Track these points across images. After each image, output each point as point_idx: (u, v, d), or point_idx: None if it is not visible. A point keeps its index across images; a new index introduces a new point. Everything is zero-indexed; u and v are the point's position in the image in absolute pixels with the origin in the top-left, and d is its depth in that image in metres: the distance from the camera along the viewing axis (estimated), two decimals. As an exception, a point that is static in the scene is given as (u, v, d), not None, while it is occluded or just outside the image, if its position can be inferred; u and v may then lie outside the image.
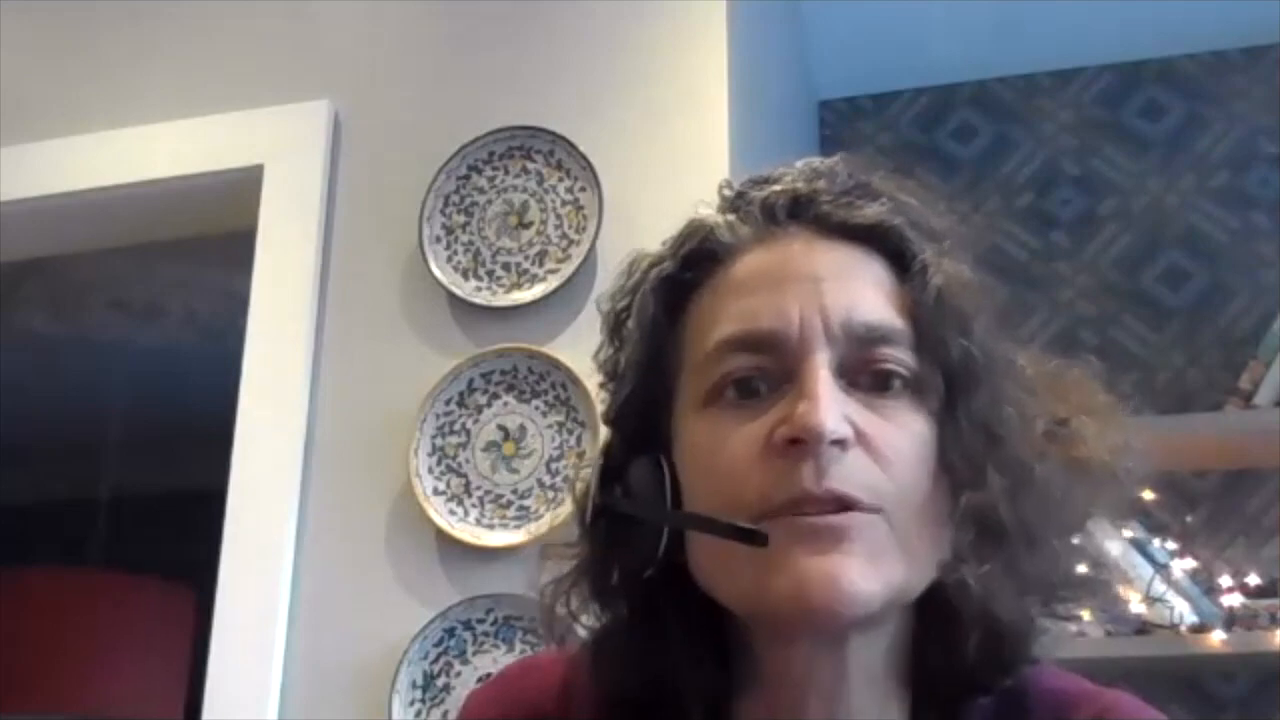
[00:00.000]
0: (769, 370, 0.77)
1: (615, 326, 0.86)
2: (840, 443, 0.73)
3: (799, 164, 0.85)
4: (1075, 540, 0.79)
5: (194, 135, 2.18)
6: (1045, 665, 0.82)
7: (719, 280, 0.82)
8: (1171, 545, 2.39)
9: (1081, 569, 0.80)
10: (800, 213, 0.82)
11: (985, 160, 2.97)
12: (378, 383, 1.97)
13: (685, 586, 0.80)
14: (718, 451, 0.77)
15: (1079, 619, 0.85)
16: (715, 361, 0.79)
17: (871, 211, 0.80)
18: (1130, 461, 0.80)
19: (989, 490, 0.75)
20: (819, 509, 0.73)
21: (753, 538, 0.74)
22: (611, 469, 0.83)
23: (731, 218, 0.84)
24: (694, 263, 0.83)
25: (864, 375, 0.76)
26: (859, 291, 0.78)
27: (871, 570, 0.73)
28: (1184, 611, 2.27)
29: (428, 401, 1.89)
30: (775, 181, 0.83)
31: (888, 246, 0.80)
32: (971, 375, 0.77)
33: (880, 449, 0.74)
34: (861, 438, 0.74)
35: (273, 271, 2.04)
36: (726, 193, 0.86)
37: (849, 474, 0.73)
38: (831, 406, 0.73)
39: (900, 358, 0.77)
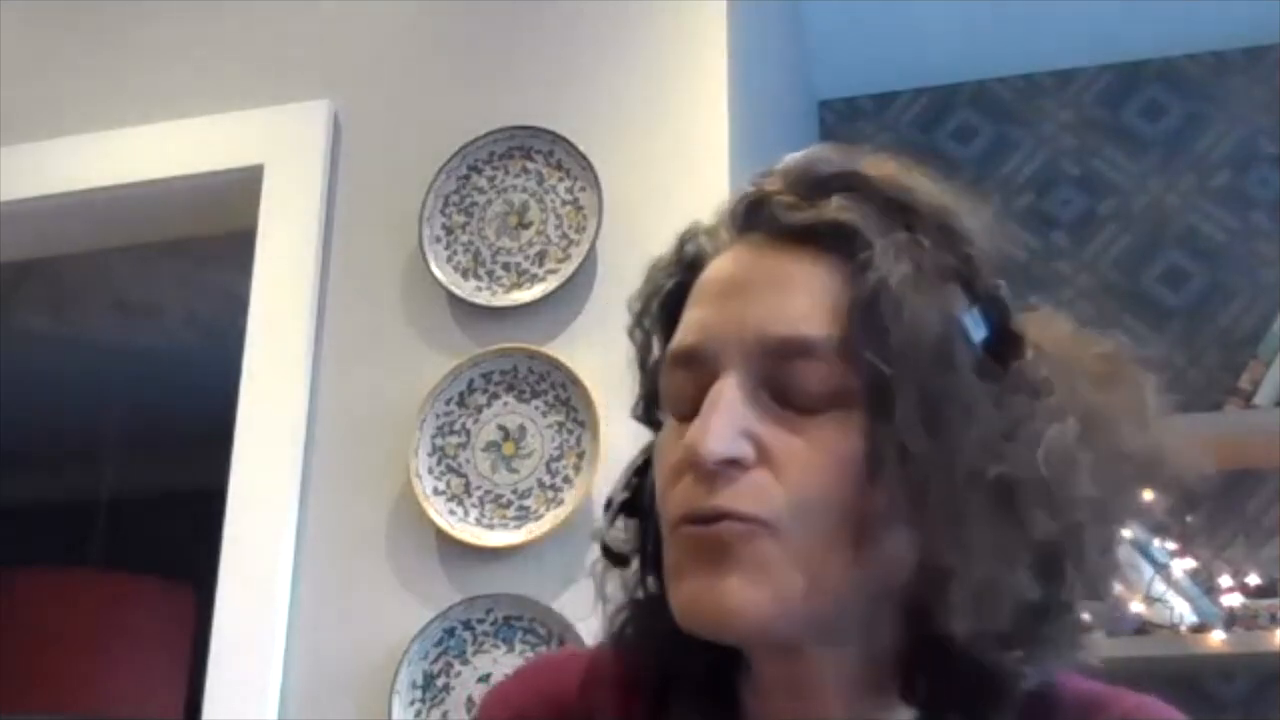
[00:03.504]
0: (700, 384, 0.76)
1: (632, 328, 0.88)
2: (736, 462, 0.72)
3: (785, 159, 0.83)
4: (1031, 559, 0.74)
5: (194, 135, 2.18)
6: (1072, 672, 0.80)
7: (694, 287, 0.82)
8: (1171, 545, 2.39)
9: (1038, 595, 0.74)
10: (758, 217, 0.80)
11: (985, 160, 2.97)
12: (378, 383, 1.97)
13: None
14: (660, 462, 0.79)
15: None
16: (665, 374, 0.80)
17: (822, 211, 0.77)
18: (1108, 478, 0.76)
19: (902, 504, 0.72)
20: (702, 523, 0.73)
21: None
22: (644, 465, 0.86)
23: (714, 223, 0.85)
24: (688, 267, 0.85)
25: (786, 390, 0.74)
26: (786, 301, 0.75)
27: (756, 587, 0.72)
28: (1184, 611, 2.27)
29: (428, 401, 1.89)
30: (761, 180, 0.83)
31: (841, 245, 0.76)
32: (901, 382, 0.72)
33: (784, 466, 0.73)
34: (766, 455, 0.73)
35: (273, 271, 2.04)
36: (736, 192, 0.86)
37: (741, 492, 0.72)
38: (721, 429, 0.72)
39: (818, 372, 0.74)
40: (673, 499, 0.75)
